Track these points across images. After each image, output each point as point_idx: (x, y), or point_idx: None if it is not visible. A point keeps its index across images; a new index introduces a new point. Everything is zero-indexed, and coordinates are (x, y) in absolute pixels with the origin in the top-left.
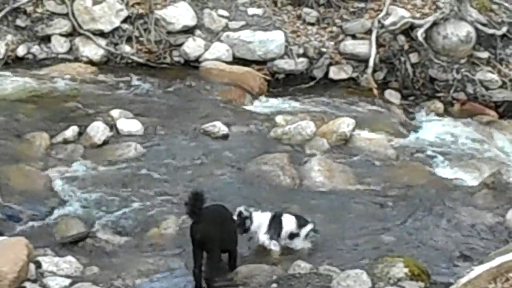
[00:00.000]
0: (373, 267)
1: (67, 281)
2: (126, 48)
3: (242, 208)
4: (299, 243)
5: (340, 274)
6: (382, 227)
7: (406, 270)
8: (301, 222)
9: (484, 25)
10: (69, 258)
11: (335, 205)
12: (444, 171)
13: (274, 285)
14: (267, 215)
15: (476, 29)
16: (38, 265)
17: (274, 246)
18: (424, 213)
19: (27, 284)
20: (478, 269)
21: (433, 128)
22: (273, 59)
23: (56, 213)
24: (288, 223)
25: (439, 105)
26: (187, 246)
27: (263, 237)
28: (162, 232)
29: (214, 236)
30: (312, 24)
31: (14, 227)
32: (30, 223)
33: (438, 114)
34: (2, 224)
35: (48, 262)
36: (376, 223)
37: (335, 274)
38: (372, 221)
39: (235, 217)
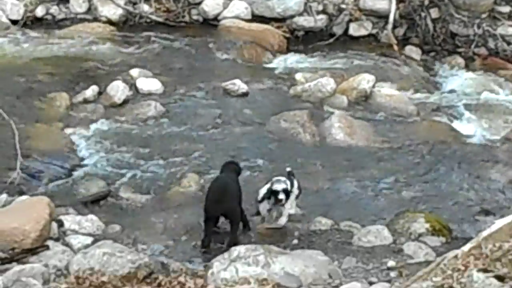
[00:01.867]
0: (394, 222)
1: (89, 239)
2: (145, 7)
3: (290, 169)
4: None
5: (361, 230)
6: (403, 183)
7: (427, 225)
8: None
9: None
10: (91, 216)
11: (356, 161)
12: (466, 126)
13: (295, 241)
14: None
15: None
16: (60, 223)
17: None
18: (445, 169)
19: (49, 242)
20: (499, 223)
21: (454, 83)
22: (292, 16)
23: (77, 172)
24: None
25: (460, 61)
26: None
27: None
28: (182, 190)
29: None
30: None
31: (35, 187)
32: (52, 183)
33: (459, 70)
34: (24, 183)
35: (70, 220)
36: (397, 179)
37: (356, 230)
38: (393, 177)
39: (284, 178)
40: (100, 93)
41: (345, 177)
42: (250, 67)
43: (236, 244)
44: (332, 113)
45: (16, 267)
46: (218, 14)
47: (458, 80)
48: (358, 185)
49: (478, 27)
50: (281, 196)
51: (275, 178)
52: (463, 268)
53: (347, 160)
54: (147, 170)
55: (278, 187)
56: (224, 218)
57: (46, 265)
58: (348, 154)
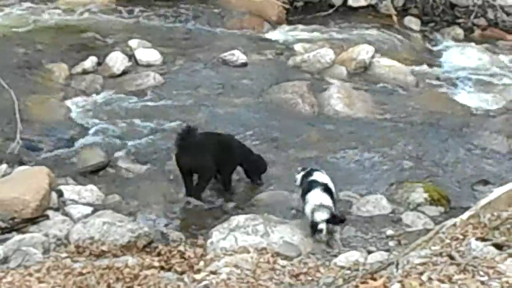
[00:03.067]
0: (392, 192)
1: (89, 209)
2: None
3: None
4: None
5: (360, 199)
6: (402, 153)
7: (425, 195)
8: None
9: None
10: (91, 186)
11: (355, 132)
12: (465, 97)
13: (294, 211)
14: None
15: None
16: (60, 193)
17: None
18: (444, 139)
19: (49, 212)
20: (497, 192)
21: (453, 54)
22: None
23: (77, 142)
24: None
25: (459, 31)
26: None
27: None
28: None
29: (200, 163)
30: None
31: (35, 157)
32: (51, 153)
33: (458, 40)
34: (24, 153)
35: (69, 190)
36: (396, 149)
37: (355, 200)
38: (392, 147)
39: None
40: (99, 64)
41: (344, 147)
42: (249, 38)
43: (198, 198)
44: (331, 83)
45: (16, 237)
46: None
47: (457, 51)
48: (357, 155)
49: None
50: (322, 226)
51: (315, 199)
52: (461, 236)
53: (346, 131)
54: (146, 140)
55: (320, 217)
56: (194, 173)
57: (46, 235)
58: (347, 125)
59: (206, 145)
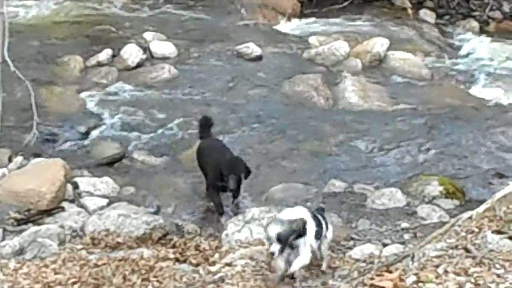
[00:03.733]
0: (407, 185)
1: (104, 201)
2: None
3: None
4: None
5: (375, 192)
6: (417, 146)
7: (441, 188)
8: None
9: None
10: (106, 178)
11: (370, 124)
12: (480, 90)
13: (308, 203)
14: None
15: None
16: (75, 185)
17: None
18: (460, 132)
19: (65, 204)
20: None
21: (469, 47)
22: None
23: (92, 135)
24: None
25: (475, 24)
26: None
27: None
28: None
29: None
30: None
31: (50, 149)
32: (66, 145)
33: (473, 33)
34: (39, 145)
35: (85, 182)
36: (411, 142)
37: (370, 192)
38: (407, 140)
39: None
40: (114, 56)
41: (358, 140)
42: (264, 30)
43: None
44: (346, 76)
45: (32, 228)
46: None
47: (472, 44)
48: (372, 148)
49: None
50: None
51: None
52: (477, 230)
53: (360, 123)
54: (161, 133)
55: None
56: None
57: (61, 226)
58: (362, 117)
59: None
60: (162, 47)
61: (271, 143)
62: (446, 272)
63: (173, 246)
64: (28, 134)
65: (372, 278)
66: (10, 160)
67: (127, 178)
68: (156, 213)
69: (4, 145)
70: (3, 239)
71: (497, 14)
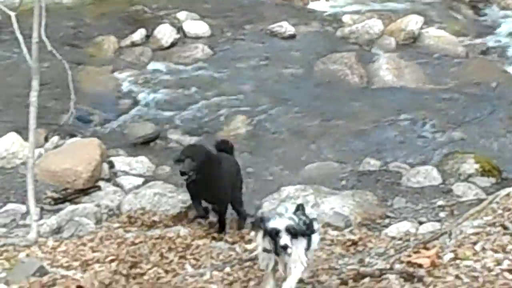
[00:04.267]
0: (443, 163)
1: (139, 180)
2: None
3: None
4: None
5: (410, 170)
6: (452, 124)
7: (477, 166)
8: None
9: None
10: (141, 158)
11: (404, 103)
12: None
13: (344, 182)
14: None
15: None
16: (111, 165)
17: None
18: (495, 110)
19: (101, 183)
20: None
21: (503, 25)
22: None
23: (127, 114)
24: None
25: (510, 1)
26: (256, 145)
27: None
28: (230, 132)
29: None
30: None
31: (86, 129)
32: (102, 125)
33: (508, 10)
34: (75, 125)
35: (120, 162)
36: (447, 120)
37: (405, 171)
38: (442, 118)
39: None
40: (147, 36)
41: (393, 118)
42: (297, 9)
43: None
44: (379, 54)
45: (69, 207)
46: None
47: (507, 21)
48: (407, 126)
49: None
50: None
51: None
52: None
53: (395, 102)
54: (195, 112)
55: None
56: None
57: (98, 205)
58: (396, 96)
59: None
60: (196, 26)
61: (305, 121)
62: (483, 249)
63: (209, 225)
64: (64, 114)
65: (409, 256)
66: (46, 139)
67: (162, 157)
68: None
69: (41, 125)
70: (41, 218)
71: None
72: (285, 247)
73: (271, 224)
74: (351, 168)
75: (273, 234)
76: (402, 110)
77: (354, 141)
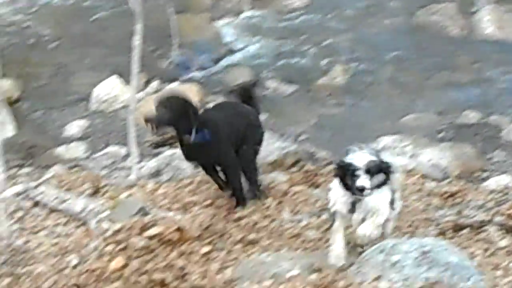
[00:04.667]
0: None
1: None
2: None
3: None
4: None
5: (510, 124)
6: None
7: None
8: None
9: None
10: None
11: (506, 55)
12: None
13: (443, 134)
14: None
15: None
16: None
17: None
18: None
19: None
20: None
21: None
22: None
23: (225, 61)
24: None
25: None
26: (355, 95)
27: None
28: (329, 81)
29: None
30: None
31: (185, 74)
32: (201, 71)
33: None
34: (175, 71)
35: None
36: None
37: (505, 125)
38: None
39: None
40: None
41: (493, 71)
42: None
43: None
44: (481, 6)
45: (168, 151)
46: None
47: None
48: (507, 80)
49: None
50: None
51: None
52: None
53: (496, 54)
54: (293, 60)
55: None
56: None
57: None
58: (498, 48)
59: None
60: None
61: (404, 73)
62: None
63: (306, 173)
64: (164, 60)
65: (508, 209)
66: (147, 84)
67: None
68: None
69: (142, 69)
70: (141, 161)
71: None
72: (361, 189)
73: (349, 159)
74: (450, 120)
75: (349, 171)
76: (503, 62)
77: (453, 93)
